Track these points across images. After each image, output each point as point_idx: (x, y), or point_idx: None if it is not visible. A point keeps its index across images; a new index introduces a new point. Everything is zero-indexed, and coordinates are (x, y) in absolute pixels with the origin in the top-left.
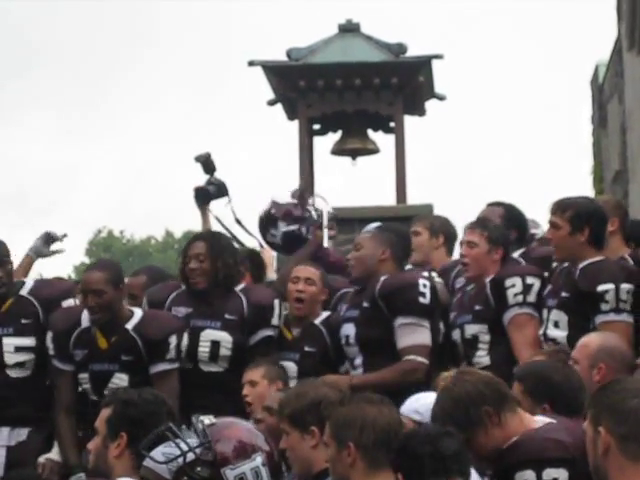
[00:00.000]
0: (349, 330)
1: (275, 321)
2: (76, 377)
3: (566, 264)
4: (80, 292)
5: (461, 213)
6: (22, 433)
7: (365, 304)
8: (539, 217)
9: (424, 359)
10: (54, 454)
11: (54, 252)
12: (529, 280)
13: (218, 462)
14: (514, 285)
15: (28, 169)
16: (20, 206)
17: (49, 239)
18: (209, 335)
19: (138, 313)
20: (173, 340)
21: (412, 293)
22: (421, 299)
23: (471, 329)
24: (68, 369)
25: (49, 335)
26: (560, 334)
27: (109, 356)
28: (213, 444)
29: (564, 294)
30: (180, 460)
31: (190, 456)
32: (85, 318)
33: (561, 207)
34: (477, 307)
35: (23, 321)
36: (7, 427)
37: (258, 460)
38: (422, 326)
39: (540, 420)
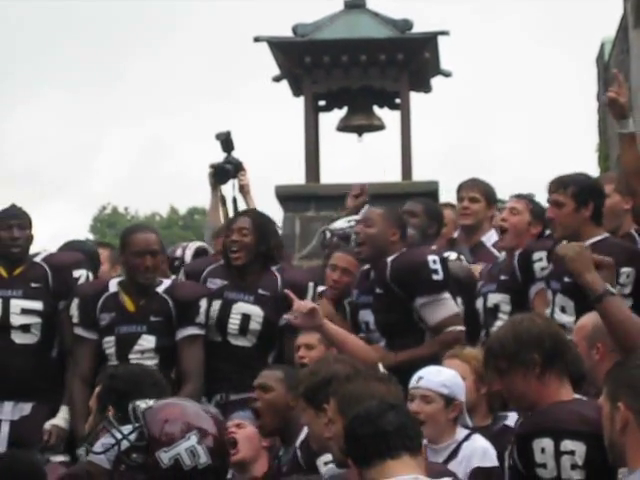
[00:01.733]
0: (367, 317)
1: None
2: (98, 347)
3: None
4: (135, 254)
5: None
6: (26, 407)
7: (378, 290)
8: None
9: (462, 327)
10: (59, 420)
11: None
12: None
13: (151, 446)
14: (541, 259)
15: (40, 148)
16: (28, 185)
17: None
18: (241, 308)
19: (167, 280)
20: (203, 303)
21: (424, 272)
22: (434, 276)
23: (494, 298)
24: (91, 337)
25: (75, 302)
26: (568, 319)
27: (137, 317)
28: (146, 428)
29: (567, 279)
30: (116, 449)
31: (124, 444)
32: (113, 284)
33: (563, 184)
34: (503, 277)
35: (33, 285)
36: (10, 401)
37: (193, 439)
38: (444, 299)
39: (576, 397)
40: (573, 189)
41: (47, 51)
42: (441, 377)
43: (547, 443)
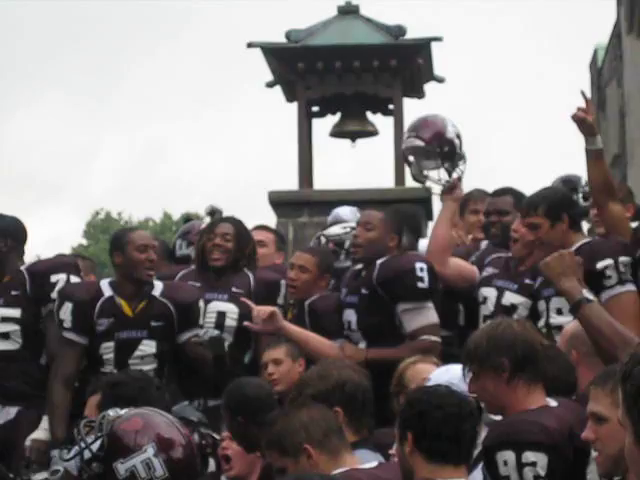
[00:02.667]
0: (350, 316)
1: (280, 300)
2: (86, 351)
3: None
4: (138, 248)
5: None
6: (11, 412)
7: (364, 291)
8: None
9: (437, 338)
10: (40, 433)
11: None
12: None
13: (109, 457)
14: None
15: (39, 152)
16: (27, 188)
17: None
18: (216, 307)
19: (158, 283)
20: (202, 304)
21: (410, 279)
22: (420, 284)
23: (513, 298)
24: (82, 342)
25: (67, 307)
26: (565, 320)
27: (137, 323)
28: (105, 438)
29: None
30: (79, 457)
31: (87, 453)
32: (105, 287)
33: (532, 205)
34: (527, 280)
35: (12, 293)
36: None
37: (149, 451)
38: (425, 307)
39: (545, 403)
40: (543, 208)
41: (49, 56)
42: (447, 376)
43: (509, 455)
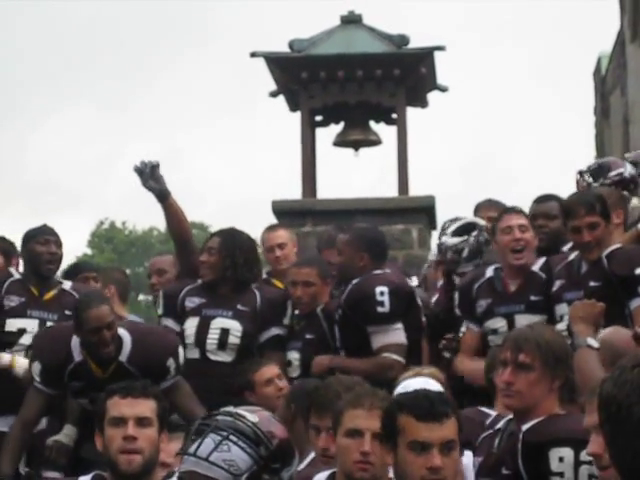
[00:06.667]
0: (337, 333)
1: (286, 320)
2: (53, 399)
3: (571, 257)
4: (90, 329)
5: (462, 204)
6: (42, 421)
7: (339, 311)
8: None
9: (400, 357)
10: (62, 436)
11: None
12: None
13: (281, 466)
14: None
15: (61, 162)
16: (46, 196)
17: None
18: (219, 323)
19: (127, 340)
20: (171, 363)
21: (369, 304)
22: (379, 309)
23: None
24: (50, 392)
25: (36, 365)
26: None
27: (109, 384)
28: (280, 448)
29: (593, 283)
30: (254, 468)
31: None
32: (76, 352)
33: (590, 205)
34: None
35: (67, 312)
36: None
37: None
38: (392, 329)
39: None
40: (599, 207)
41: (71, 68)
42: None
43: (567, 452)
